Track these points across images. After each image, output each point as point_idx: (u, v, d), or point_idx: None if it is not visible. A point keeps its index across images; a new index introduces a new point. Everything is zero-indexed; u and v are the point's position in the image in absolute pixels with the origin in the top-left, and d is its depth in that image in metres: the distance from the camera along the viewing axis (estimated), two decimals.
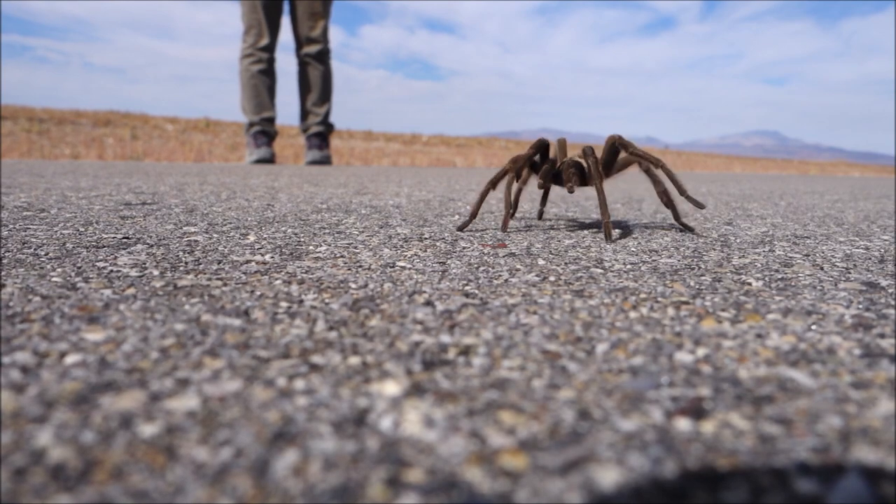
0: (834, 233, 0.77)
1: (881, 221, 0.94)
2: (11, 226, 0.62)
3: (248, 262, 0.48)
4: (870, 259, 0.56)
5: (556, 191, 1.39)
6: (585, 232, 0.71)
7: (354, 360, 0.26)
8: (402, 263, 0.48)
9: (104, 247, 0.52)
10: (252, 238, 0.59)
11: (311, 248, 0.55)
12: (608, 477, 0.18)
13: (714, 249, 0.59)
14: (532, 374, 0.25)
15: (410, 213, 0.86)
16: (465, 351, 0.28)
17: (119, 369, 0.24)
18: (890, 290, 0.42)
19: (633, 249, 0.58)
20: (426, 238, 0.63)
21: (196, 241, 0.57)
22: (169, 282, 0.40)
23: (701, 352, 0.28)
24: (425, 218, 0.81)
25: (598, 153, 0.70)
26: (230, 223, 0.70)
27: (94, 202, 0.87)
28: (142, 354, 0.26)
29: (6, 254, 0.47)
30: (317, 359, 0.26)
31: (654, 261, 0.52)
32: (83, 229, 0.61)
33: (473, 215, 0.67)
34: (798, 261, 0.54)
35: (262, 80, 2.63)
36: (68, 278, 0.40)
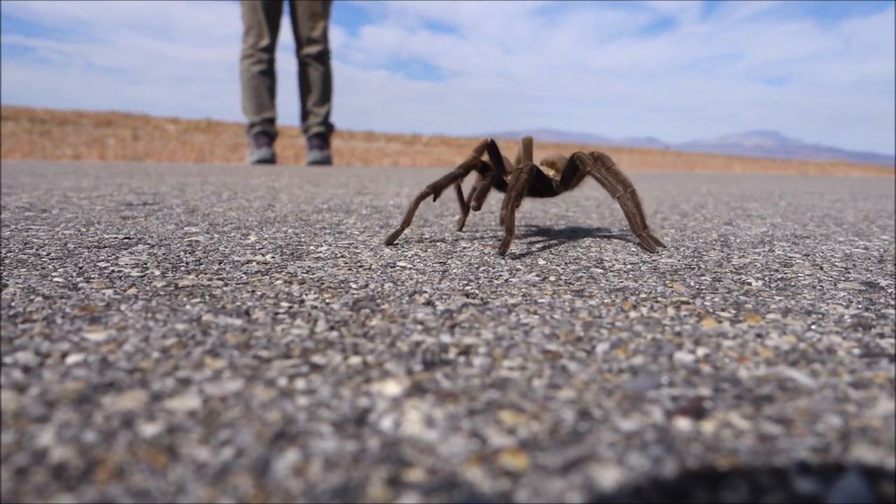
0: (833, 233, 0.77)
1: (881, 221, 0.94)
2: (13, 226, 0.62)
3: (248, 262, 0.48)
4: (869, 259, 0.56)
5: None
6: (585, 232, 0.71)
7: (355, 360, 0.26)
8: (402, 263, 0.48)
9: (105, 247, 0.52)
10: (253, 238, 0.59)
11: (311, 248, 0.55)
12: (608, 476, 0.18)
13: (714, 249, 0.59)
14: (532, 374, 0.25)
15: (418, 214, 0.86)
16: (466, 351, 0.28)
17: (120, 369, 0.25)
18: (889, 290, 0.42)
19: (633, 249, 0.58)
20: (426, 238, 0.63)
21: (197, 241, 0.57)
22: (170, 282, 0.40)
23: (701, 351, 0.28)
24: (426, 218, 0.81)
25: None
26: (231, 223, 0.70)
27: (95, 202, 0.87)
28: (143, 354, 0.26)
29: (8, 254, 0.47)
30: (318, 359, 0.26)
31: (654, 261, 0.52)
32: (84, 229, 0.62)
33: (406, 223, 0.59)
34: (798, 261, 0.54)
35: (263, 80, 2.63)
36: (70, 278, 0.40)
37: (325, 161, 2.85)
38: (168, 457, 0.18)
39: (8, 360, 0.25)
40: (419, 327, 0.31)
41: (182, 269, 0.44)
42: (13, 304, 0.33)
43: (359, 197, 1.10)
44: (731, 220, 0.90)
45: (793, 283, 0.44)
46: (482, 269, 0.47)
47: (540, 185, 0.63)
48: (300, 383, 0.24)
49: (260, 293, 0.38)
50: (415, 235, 0.65)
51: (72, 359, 0.26)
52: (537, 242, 0.61)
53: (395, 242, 0.59)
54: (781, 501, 0.17)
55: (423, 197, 0.56)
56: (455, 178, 0.57)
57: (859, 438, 0.20)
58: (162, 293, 0.37)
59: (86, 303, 0.34)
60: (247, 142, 2.80)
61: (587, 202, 1.15)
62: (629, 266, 0.49)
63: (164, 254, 0.50)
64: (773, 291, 0.41)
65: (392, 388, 0.24)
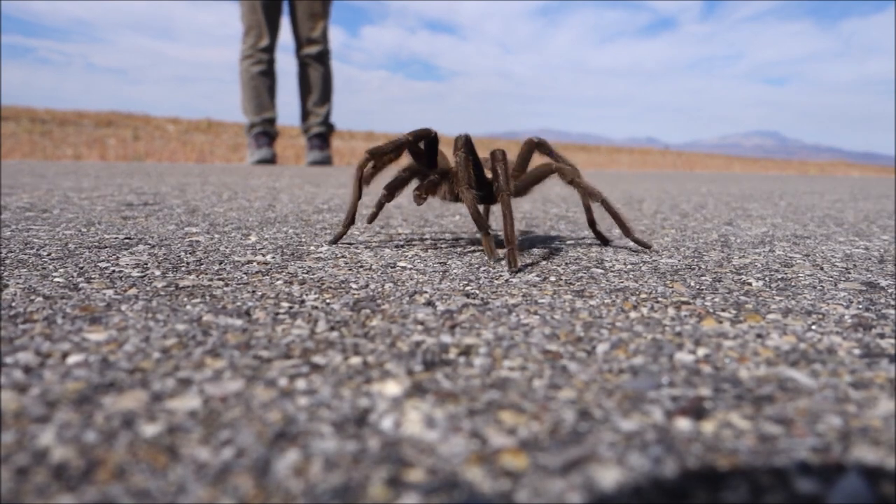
0: (834, 233, 0.77)
1: (881, 221, 0.94)
2: (14, 226, 0.62)
3: (249, 262, 0.48)
4: (869, 259, 0.56)
5: (557, 190, 1.39)
6: (586, 232, 0.71)
7: (355, 361, 0.26)
8: (402, 263, 0.48)
9: (106, 247, 0.52)
10: (253, 238, 0.59)
11: (312, 248, 0.55)
12: (609, 477, 0.18)
13: (714, 249, 0.59)
14: (533, 374, 0.25)
15: (411, 214, 0.86)
16: (466, 351, 0.28)
17: (121, 369, 0.25)
18: (890, 290, 0.42)
19: (633, 249, 0.58)
20: (426, 238, 0.63)
21: (198, 241, 0.57)
22: (171, 282, 0.40)
23: (701, 352, 0.28)
24: (426, 218, 0.81)
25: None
26: (231, 223, 0.70)
27: (96, 203, 0.87)
28: (144, 354, 0.26)
29: (9, 254, 0.47)
30: (318, 359, 0.26)
31: (654, 261, 0.52)
32: (85, 230, 0.62)
33: (350, 223, 0.56)
34: (798, 261, 0.54)
35: (263, 81, 2.63)
36: (70, 279, 0.40)
37: (326, 161, 2.85)
38: (168, 457, 0.18)
39: (9, 360, 0.25)
40: (419, 327, 0.31)
41: (183, 269, 0.44)
42: (14, 304, 0.33)
43: None
44: (731, 220, 0.90)
45: (793, 284, 0.44)
46: (482, 269, 0.47)
47: (480, 186, 0.53)
48: (301, 383, 0.24)
49: (260, 293, 0.38)
50: (415, 235, 0.65)
51: (72, 359, 0.26)
52: (538, 243, 0.61)
53: (342, 240, 0.57)
54: (782, 501, 0.17)
55: (362, 166, 0.54)
56: (399, 146, 0.51)
57: (859, 438, 0.20)
58: (162, 293, 0.37)
59: (86, 303, 0.34)
60: (247, 142, 2.80)
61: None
62: (629, 266, 0.49)
63: (164, 254, 0.50)
64: (774, 292, 0.41)
65: (392, 388, 0.24)
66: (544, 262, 0.50)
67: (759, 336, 0.31)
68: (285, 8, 2.65)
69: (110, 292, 0.37)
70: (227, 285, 0.40)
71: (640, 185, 1.92)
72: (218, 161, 3.44)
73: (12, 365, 0.25)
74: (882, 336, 0.31)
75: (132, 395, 0.22)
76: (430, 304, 0.36)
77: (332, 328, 0.31)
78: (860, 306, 0.37)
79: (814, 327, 0.33)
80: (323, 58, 2.70)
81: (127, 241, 0.56)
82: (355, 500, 0.16)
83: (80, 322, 0.31)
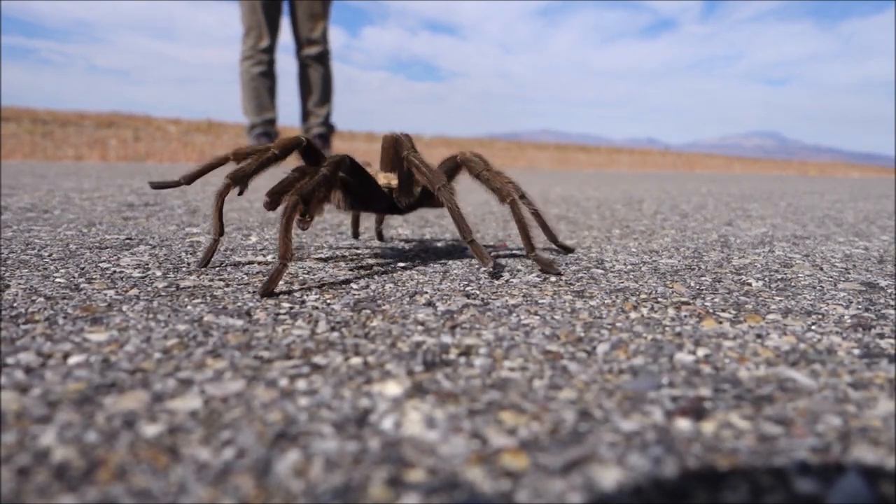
0: (833, 233, 0.77)
1: (880, 222, 0.94)
2: (15, 227, 0.62)
3: (250, 262, 0.48)
4: (869, 259, 0.56)
5: (558, 190, 1.39)
6: (586, 233, 0.71)
7: (356, 361, 0.26)
8: (403, 264, 0.48)
9: (107, 248, 0.52)
10: (254, 239, 0.60)
11: (312, 248, 0.55)
12: (609, 477, 0.18)
13: (714, 250, 0.59)
14: (533, 375, 0.25)
15: (412, 214, 0.86)
16: (467, 351, 0.28)
17: (122, 370, 0.25)
18: (889, 291, 0.42)
19: (633, 250, 0.58)
20: (427, 238, 0.63)
21: (198, 241, 0.57)
22: (171, 282, 0.40)
23: (701, 352, 0.28)
24: (426, 219, 0.81)
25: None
26: (232, 224, 0.70)
27: (97, 203, 0.87)
28: (144, 355, 0.26)
29: (10, 255, 0.47)
30: (318, 359, 0.27)
31: (654, 261, 0.52)
32: (86, 230, 0.62)
33: (205, 264, 0.45)
34: (798, 261, 0.54)
35: (263, 81, 2.63)
36: (71, 279, 0.40)
37: None
38: (169, 457, 0.18)
39: (10, 360, 0.25)
40: (420, 328, 0.31)
41: (183, 269, 0.44)
42: (15, 304, 0.33)
43: None
44: (731, 220, 0.90)
45: (793, 284, 0.44)
46: (483, 269, 0.47)
47: (361, 192, 0.46)
48: (301, 384, 0.24)
49: None
50: (415, 236, 0.65)
51: (73, 359, 0.26)
52: (538, 242, 0.61)
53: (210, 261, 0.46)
54: (781, 501, 0.17)
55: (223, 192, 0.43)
56: (265, 163, 0.43)
57: (859, 438, 0.20)
58: (163, 294, 0.37)
59: (87, 303, 0.34)
60: (247, 143, 2.80)
61: (588, 203, 1.15)
62: (630, 267, 0.49)
63: (165, 254, 0.50)
64: (774, 292, 0.41)
65: (393, 388, 0.24)
66: None
67: (758, 336, 0.31)
68: (285, 8, 2.65)
69: (111, 293, 0.37)
70: (227, 286, 0.40)
71: (640, 185, 1.92)
72: None
73: (14, 365, 0.25)
74: (881, 336, 0.31)
75: (133, 395, 0.22)
76: (430, 304, 0.36)
77: (333, 328, 0.31)
78: (860, 306, 0.37)
79: (813, 327, 0.33)
80: (323, 58, 2.70)
81: (128, 241, 0.56)
82: (356, 501, 0.16)
83: (82, 322, 0.31)
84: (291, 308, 0.35)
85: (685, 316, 0.35)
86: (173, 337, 0.29)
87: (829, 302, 0.39)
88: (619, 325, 0.33)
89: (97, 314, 0.32)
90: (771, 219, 0.93)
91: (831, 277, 0.47)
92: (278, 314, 0.33)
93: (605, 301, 0.38)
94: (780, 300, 0.39)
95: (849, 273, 0.49)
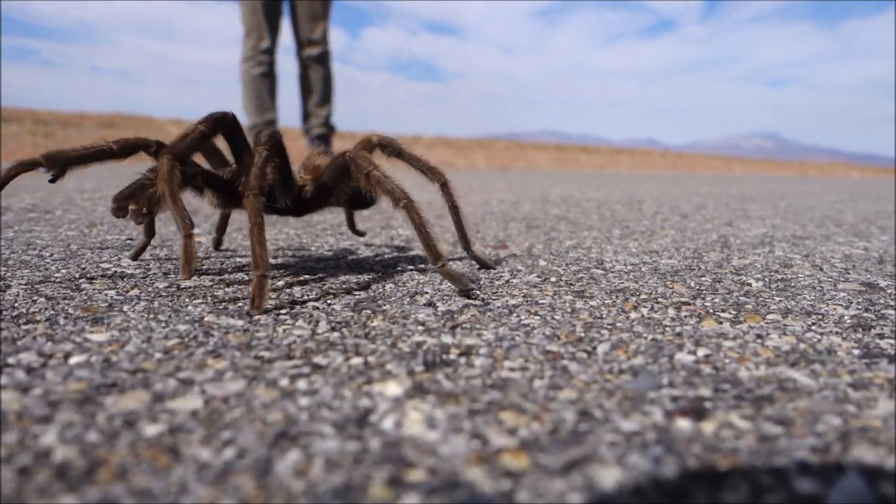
0: (833, 234, 0.77)
1: (880, 222, 0.94)
2: (17, 227, 0.62)
3: (251, 262, 0.48)
4: (869, 260, 0.56)
5: (558, 190, 1.39)
6: (586, 233, 0.71)
7: (356, 361, 0.26)
8: (403, 264, 0.49)
9: (108, 248, 0.52)
10: None
11: (313, 248, 0.55)
12: (609, 477, 0.18)
13: (714, 250, 0.59)
14: (533, 375, 0.25)
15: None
16: (467, 351, 0.28)
17: (123, 370, 0.25)
18: (889, 291, 0.42)
19: (633, 250, 0.58)
20: None
21: (199, 242, 0.57)
22: (172, 283, 0.40)
23: (701, 352, 0.28)
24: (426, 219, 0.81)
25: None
26: (233, 224, 0.70)
27: (98, 204, 0.87)
28: (145, 355, 0.26)
29: (11, 255, 0.47)
30: (319, 359, 0.27)
31: (654, 262, 0.52)
32: (87, 231, 0.62)
33: (148, 240, 0.45)
34: (798, 261, 0.54)
35: (264, 82, 2.63)
36: (73, 279, 0.40)
37: None
38: (170, 457, 0.18)
39: (11, 360, 0.25)
40: (420, 328, 0.31)
41: None
42: (16, 304, 0.34)
43: None
44: (731, 221, 0.90)
45: (793, 284, 0.44)
46: (483, 269, 0.47)
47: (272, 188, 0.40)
48: (302, 384, 0.24)
49: None
50: (415, 236, 0.65)
51: (74, 359, 0.26)
52: (538, 243, 0.62)
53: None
54: (782, 501, 0.17)
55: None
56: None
57: (859, 438, 0.20)
58: (164, 294, 0.37)
59: (88, 303, 0.34)
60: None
61: (588, 203, 1.15)
62: (630, 267, 0.49)
63: (166, 255, 0.50)
64: (774, 292, 0.41)
65: (393, 388, 0.24)
66: (544, 263, 0.50)
67: (758, 336, 0.31)
68: (286, 9, 2.66)
69: (112, 293, 0.37)
70: (228, 286, 0.40)
71: (640, 185, 1.92)
72: None
73: (15, 365, 0.25)
74: (881, 336, 0.31)
75: (134, 395, 0.22)
76: (430, 304, 0.36)
77: (334, 328, 0.31)
78: (859, 307, 0.37)
79: (813, 328, 0.33)
80: (324, 59, 2.70)
81: (129, 242, 0.56)
82: (356, 500, 0.16)
83: (83, 322, 0.31)
84: (292, 308, 0.35)
85: (685, 316, 0.35)
86: (174, 337, 0.29)
87: (829, 302, 0.39)
88: (619, 325, 0.33)
89: (98, 314, 0.32)
90: (771, 219, 0.93)
91: (831, 278, 0.47)
92: (279, 314, 0.33)
93: (606, 301, 0.38)
94: (780, 300, 0.39)
95: (848, 273, 0.49)
